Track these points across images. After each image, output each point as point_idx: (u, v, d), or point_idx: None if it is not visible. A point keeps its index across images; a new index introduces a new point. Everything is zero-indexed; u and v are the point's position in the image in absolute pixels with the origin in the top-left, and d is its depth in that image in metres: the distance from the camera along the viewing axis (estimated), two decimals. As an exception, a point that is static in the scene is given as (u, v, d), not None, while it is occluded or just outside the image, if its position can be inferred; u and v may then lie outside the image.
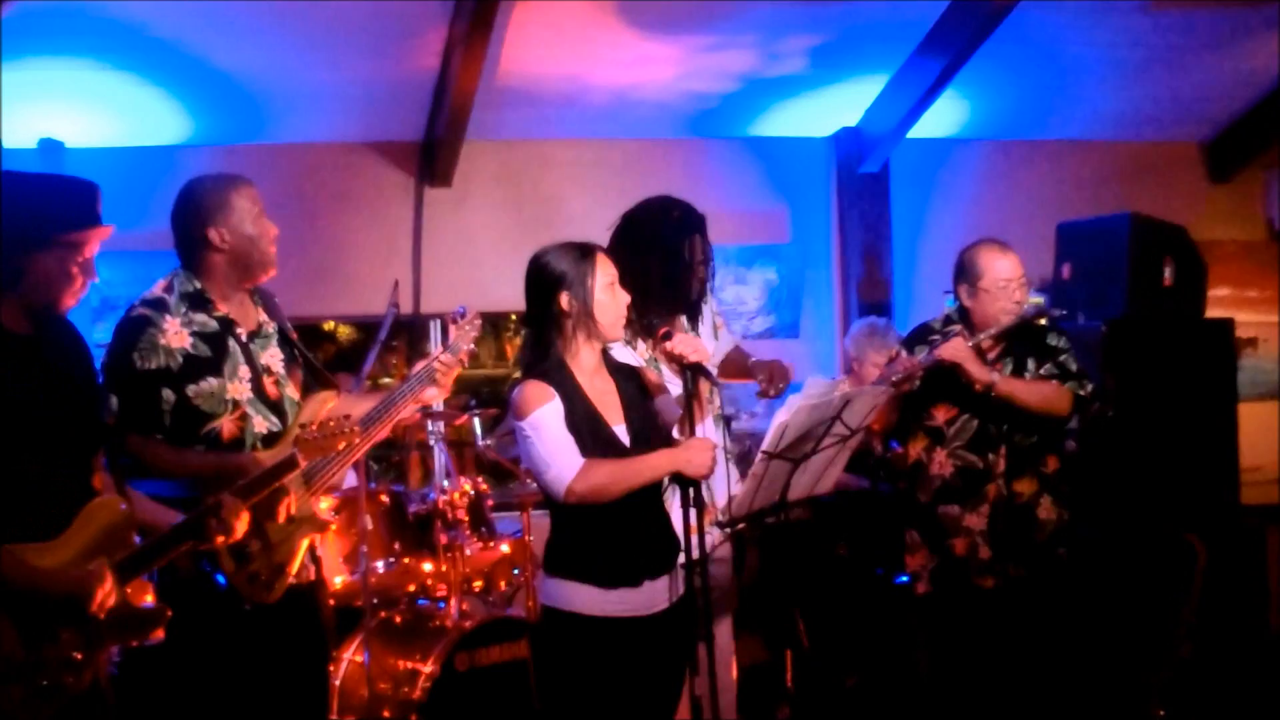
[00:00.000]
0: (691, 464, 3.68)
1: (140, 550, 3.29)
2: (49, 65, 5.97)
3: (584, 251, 3.77)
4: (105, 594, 3.11)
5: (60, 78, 6.10)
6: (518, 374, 3.83)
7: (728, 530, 4.26)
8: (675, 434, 3.85)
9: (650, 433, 3.80)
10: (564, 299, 3.71)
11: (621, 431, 3.75)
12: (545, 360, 3.75)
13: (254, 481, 3.52)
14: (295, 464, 3.57)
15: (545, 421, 3.65)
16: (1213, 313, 6.75)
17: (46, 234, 3.20)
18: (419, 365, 4.03)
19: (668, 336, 3.71)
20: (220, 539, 3.41)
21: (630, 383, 3.86)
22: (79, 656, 3.13)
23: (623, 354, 3.96)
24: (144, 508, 3.44)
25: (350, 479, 5.47)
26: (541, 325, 3.78)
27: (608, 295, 3.74)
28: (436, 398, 4.07)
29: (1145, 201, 6.94)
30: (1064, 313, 5.18)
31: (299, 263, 6.55)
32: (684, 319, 4.51)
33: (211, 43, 6.02)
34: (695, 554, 3.73)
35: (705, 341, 4.43)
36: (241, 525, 3.43)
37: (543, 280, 3.76)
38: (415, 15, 6.11)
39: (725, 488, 4.14)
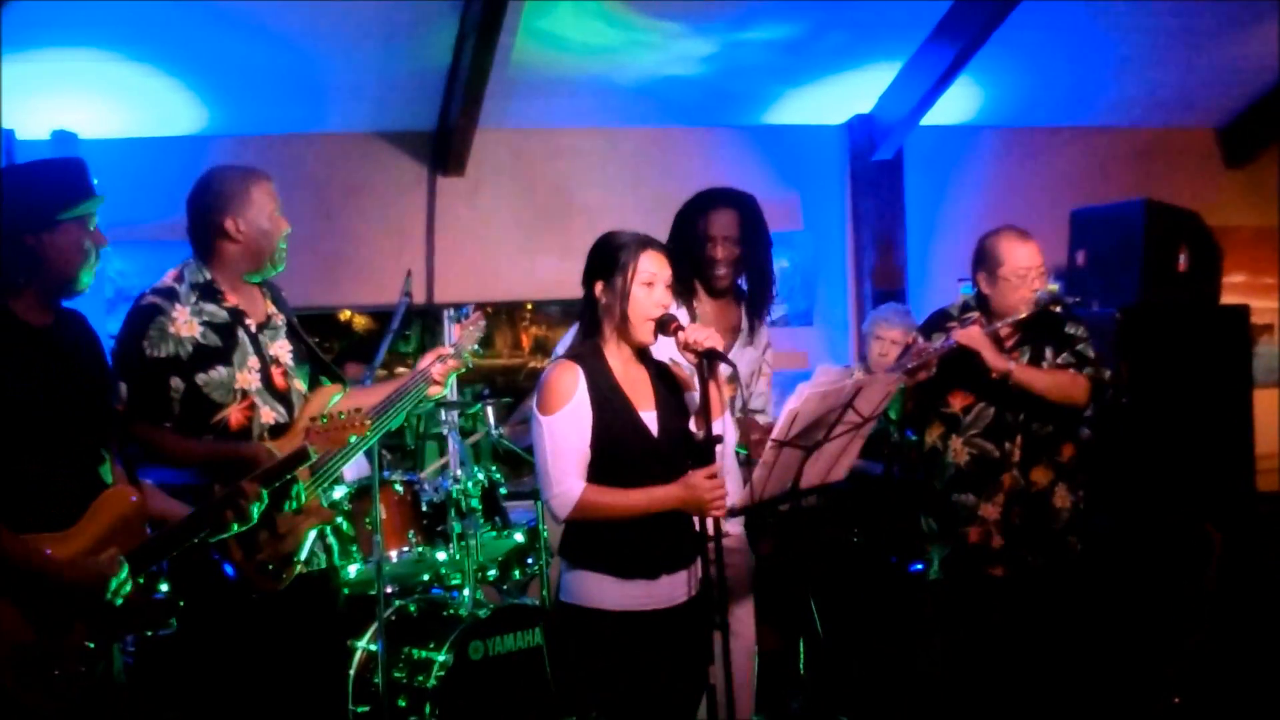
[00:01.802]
0: (700, 501, 3.60)
1: (155, 539, 3.31)
2: (62, 56, 5.97)
3: (638, 245, 3.67)
4: (120, 584, 3.13)
5: (74, 69, 6.11)
6: (533, 363, 3.82)
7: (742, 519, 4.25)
8: (691, 425, 3.78)
9: (680, 426, 3.75)
10: (598, 287, 3.68)
11: (650, 419, 3.69)
12: (583, 344, 3.72)
13: (270, 471, 3.54)
14: (308, 455, 3.58)
15: (560, 429, 3.60)
16: (1228, 299, 6.74)
17: (51, 216, 3.22)
18: (423, 363, 4.05)
19: (680, 328, 3.68)
20: (236, 526, 3.43)
21: (664, 376, 3.81)
22: (92, 646, 3.15)
23: (662, 345, 3.88)
24: (155, 499, 3.46)
25: (365, 468, 5.48)
26: (584, 307, 3.76)
27: (642, 293, 3.64)
28: (435, 393, 4.09)
29: (1160, 187, 6.93)
30: (1078, 299, 5.16)
31: (313, 252, 6.57)
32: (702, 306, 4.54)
33: (225, 33, 6.03)
34: (710, 543, 3.70)
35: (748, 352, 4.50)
36: (257, 512, 3.45)
37: (590, 263, 3.73)
38: (428, 5, 6.11)
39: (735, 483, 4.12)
